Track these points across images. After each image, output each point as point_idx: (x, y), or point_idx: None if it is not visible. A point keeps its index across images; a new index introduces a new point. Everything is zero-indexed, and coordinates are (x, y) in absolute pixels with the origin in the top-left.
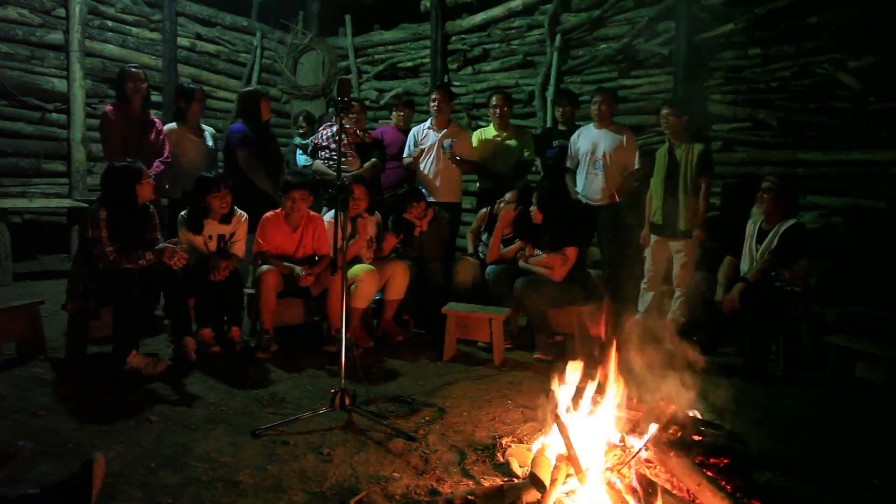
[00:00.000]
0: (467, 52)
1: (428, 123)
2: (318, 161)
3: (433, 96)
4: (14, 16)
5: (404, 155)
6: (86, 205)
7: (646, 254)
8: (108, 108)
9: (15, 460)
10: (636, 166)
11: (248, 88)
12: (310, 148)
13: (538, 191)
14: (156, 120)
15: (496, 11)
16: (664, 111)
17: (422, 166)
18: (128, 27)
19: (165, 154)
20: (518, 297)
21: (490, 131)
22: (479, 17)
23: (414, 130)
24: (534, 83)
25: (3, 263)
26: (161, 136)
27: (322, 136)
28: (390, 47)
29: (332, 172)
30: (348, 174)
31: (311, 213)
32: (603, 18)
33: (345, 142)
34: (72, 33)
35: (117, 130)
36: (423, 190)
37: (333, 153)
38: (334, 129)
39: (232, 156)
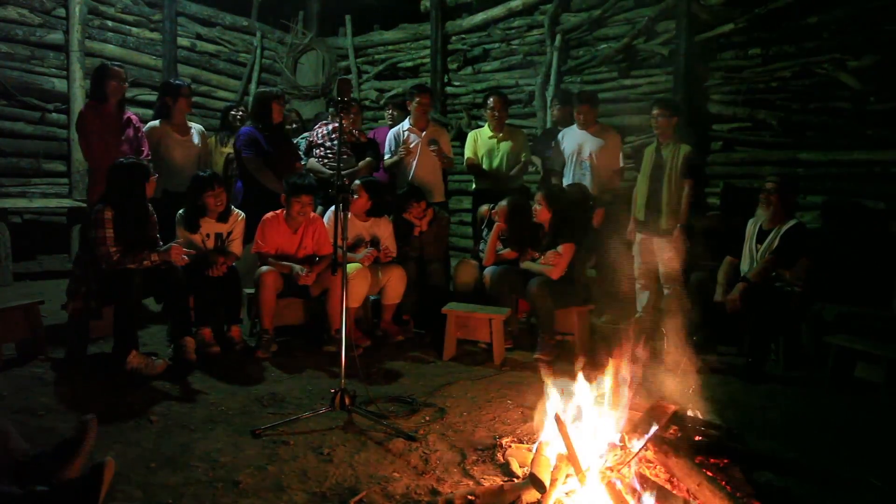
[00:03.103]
0: (467, 52)
1: (407, 125)
2: (312, 159)
3: (418, 99)
4: (14, 16)
5: (386, 157)
6: (86, 205)
7: (634, 252)
8: (83, 108)
9: (90, 436)
10: (621, 164)
11: (261, 90)
12: (303, 146)
13: (546, 189)
14: (133, 117)
15: (496, 11)
16: (654, 111)
17: (406, 168)
18: (128, 27)
19: (145, 153)
20: (531, 297)
21: (485, 132)
22: (479, 17)
23: (393, 132)
24: (534, 83)
25: (3, 263)
26: (139, 135)
27: (317, 135)
28: (390, 47)
29: (326, 171)
30: (346, 172)
31: (312, 213)
32: (603, 18)
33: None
34: (72, 33)
35: (95, 130)
36: None
37: (328, 151)
38: (330, 127)
39: (240, 158)
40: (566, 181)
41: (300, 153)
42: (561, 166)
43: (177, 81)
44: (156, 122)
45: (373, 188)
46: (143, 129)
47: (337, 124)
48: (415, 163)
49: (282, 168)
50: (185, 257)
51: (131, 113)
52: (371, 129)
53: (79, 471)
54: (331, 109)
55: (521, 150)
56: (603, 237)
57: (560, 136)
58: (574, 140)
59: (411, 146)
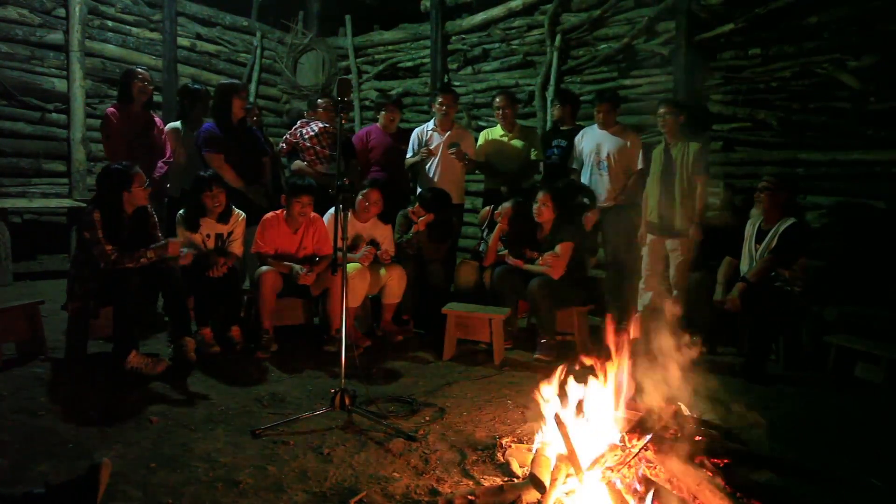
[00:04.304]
0: (467, 52)
1: (431, 125)
2: (297, 161)
3: (440, 100)
4: (14, 16)
5: (408, 156)
6: (85, 205)
7: (643, 252)
8: (110, 109)
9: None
10: (640, 166)
11: (221, 83)
12: (281, 145)
13: (551, 189)
14: (157, 120)
15: (496, 11)
16: (661, 110)
17: (427, 168)
18: (128, 27)
19: (168, 154)
20: (531, 297)
21: (497, 131)
22: (479, 17)
23: (417, 132)
24: (534, 83)
25: (3, 263)
26: (163, 136)
27: (302, 136)
28: (390, 47)
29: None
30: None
31: (312, 213)
32: (603, 18)
33: (327, 142)
34: (72, 33)
35: (120, 132)
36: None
37: (317, 156)
38: (316, 127)
39: (201, 155)
40: (584, 181)
41: (281, 148)
42: (579, 166)
43: (195, 86)
44: (176, 124)
45: (385, 192)
46: (165, 131)
47: (321, 124)
48: (437, 164)
49: (248, 163)
50: (185, 250)
51: (156, 115)
52: (362, 128)
53: None
54: (302, 108)
55: (534, 149)
56: (606, 238)
57: (580, 134)
58: (593, 140)
59: (432, 147)
